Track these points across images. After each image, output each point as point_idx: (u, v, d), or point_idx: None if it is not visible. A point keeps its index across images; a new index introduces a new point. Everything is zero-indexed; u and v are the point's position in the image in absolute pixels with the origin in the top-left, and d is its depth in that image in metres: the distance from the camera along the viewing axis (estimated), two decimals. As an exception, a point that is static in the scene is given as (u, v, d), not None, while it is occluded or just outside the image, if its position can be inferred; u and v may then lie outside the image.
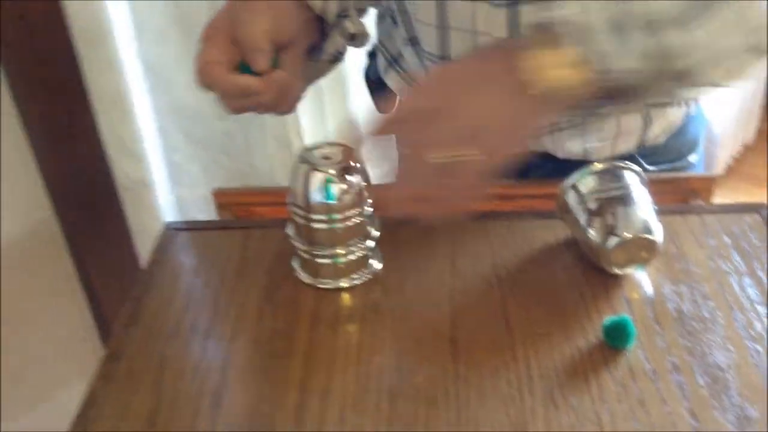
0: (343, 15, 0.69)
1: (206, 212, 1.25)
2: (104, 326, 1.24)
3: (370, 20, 0.78)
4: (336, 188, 0.59)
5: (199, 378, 0.55)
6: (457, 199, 0.57)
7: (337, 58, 0.71)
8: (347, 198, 0.60)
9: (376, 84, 0.93)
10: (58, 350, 1.22)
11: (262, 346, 0.57)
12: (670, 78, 0.54)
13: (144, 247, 1.20)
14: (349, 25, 0.70)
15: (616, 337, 0.55)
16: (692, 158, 0.83)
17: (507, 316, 0.59)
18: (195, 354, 0.57)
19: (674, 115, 0.78)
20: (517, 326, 0.58)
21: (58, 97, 1.04)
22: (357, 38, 0.71)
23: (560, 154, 0.78)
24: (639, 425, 0.49)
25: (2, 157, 1.06)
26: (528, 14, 0.68)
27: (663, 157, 0.80)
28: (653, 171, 0.80)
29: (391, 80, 0.88)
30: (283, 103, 0.65)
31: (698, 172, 0.83)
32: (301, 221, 0.61)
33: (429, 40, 0.75)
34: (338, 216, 0.60)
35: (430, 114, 0.54)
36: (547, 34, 0.53)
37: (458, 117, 0.54)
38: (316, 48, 0.69)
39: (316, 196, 0.59)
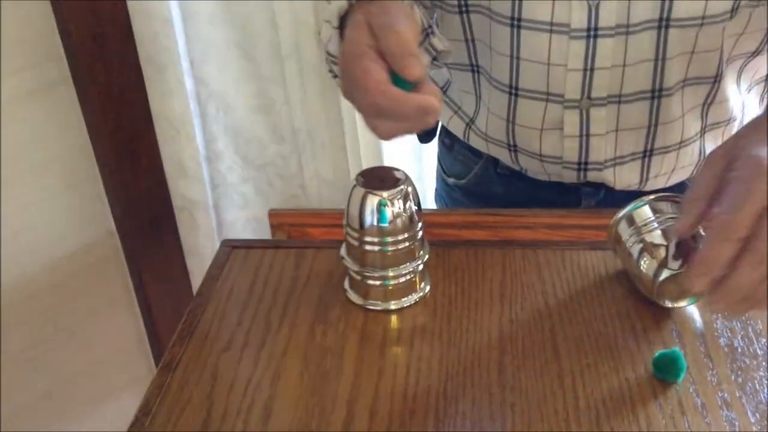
0: (428, 31, 0.70)
1: (257, 232, 1.27)
2: (156, 340, 1.27)
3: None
4: (389, 212, 0.60)
5: (250, 392, 0.56)
6: None
7: None
8: (399, 222, 0.61)
9: None
10: (111, 361, 1.25)
11: (312, 364, 0.58)
12: None
13: (197, 265, 1.24)
14: (437, 42, 0.70)
15: (666, 370, 0.54)
16: None
17: (555, 344, 0.59)
18: (247, 368, 0.58)
19: None
20: (566, 355, 0.58)
21: (126, 119, 1.09)
22: (440, 56, 0.71)
23: (618, 186, 0.78)
24: (688, 460, 0.49)
25: (73, 173, 1.11)
26: (605, 47, 0.69)
27: None
28: None
29: None
30: (431, 120, 0.57)
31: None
32: (354, 243, 0.62)
33: (499, 69, 0.76)
34: (390, 239, 0.61)
35: None
36: None
37: None
38: None
39: (370, 219, 0.61)
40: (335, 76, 0.72)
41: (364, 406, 0.54)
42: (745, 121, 0.80)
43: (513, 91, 0.76)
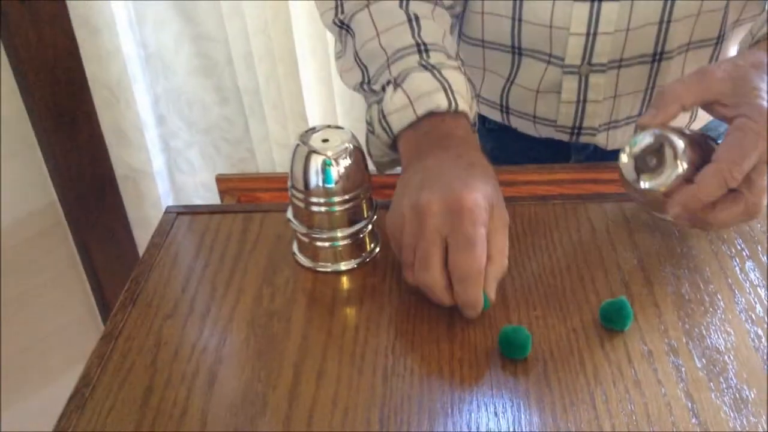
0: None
1: (205, 198, 1.25)
2: (106, 311, 1.25)
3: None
4: (334, 171, 0.59)
5: (195, 358, 0.55)
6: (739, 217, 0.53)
7: None
8: (346, 181, 0.59)
9: None
10: (61, 334, 1.23)
11: (259, 328, 0.57)
12: None
13: (144, 234, 1.21)
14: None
15: (612, 319, 0.55)
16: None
17: (505, 297, 0.58)
18: (192, 334, 0.57)
19: None
20: (515, 308, 0.57)
21: (62, 86, 1.04)
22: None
23: (609, 147, 0.78)
24: (634, 407, 0.49)
25: (9, 143, 1.07)
26: (610, 10, 0.68)
27: None
28: None
29: None
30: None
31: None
32: (300, 204, 0.61)
33: (497, 31, 0.74)
34: (337, 199, 0.60)
35: None
36: None
37: None
38: None
39: (315, 180, 0.59)
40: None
41: (311, 367, 0.53)
42: None
43: (516, 50, 0.74)
